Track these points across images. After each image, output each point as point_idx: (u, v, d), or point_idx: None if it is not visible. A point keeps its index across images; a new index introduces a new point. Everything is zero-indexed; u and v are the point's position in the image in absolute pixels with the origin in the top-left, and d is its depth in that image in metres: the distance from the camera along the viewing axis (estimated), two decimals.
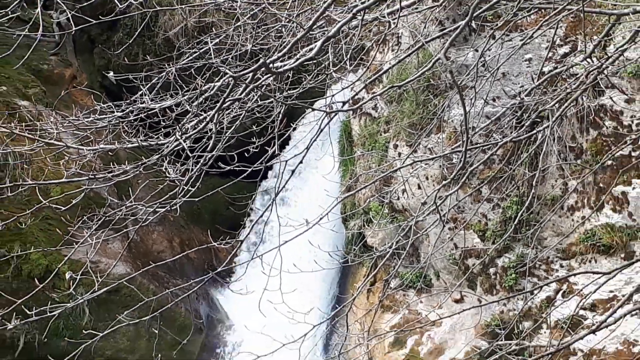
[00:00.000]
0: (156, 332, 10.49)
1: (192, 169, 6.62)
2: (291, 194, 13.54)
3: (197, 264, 11.70)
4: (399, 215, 12.03)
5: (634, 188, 10.09)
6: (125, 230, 8.62)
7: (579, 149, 10.53)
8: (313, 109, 7.78)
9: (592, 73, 8.68)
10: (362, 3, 5.18)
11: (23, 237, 10.86)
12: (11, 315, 5.99)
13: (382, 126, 12.46)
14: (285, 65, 5.23)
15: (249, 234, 9.24)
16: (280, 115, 7.39)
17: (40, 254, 10.71)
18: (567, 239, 10.54)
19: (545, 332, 10.39)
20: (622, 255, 9.96)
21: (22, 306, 5.91)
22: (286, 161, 7.72)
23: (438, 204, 8.02)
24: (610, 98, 10.33)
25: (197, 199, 6.43)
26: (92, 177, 7.99)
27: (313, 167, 12.91)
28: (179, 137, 6.15)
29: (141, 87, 7.58)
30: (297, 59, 5.23)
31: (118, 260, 10.27)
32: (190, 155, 6.47)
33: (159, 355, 10.18)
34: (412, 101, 11.74)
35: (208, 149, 6.51)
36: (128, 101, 7.62)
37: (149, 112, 7.24)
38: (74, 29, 9.15)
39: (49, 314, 6.07)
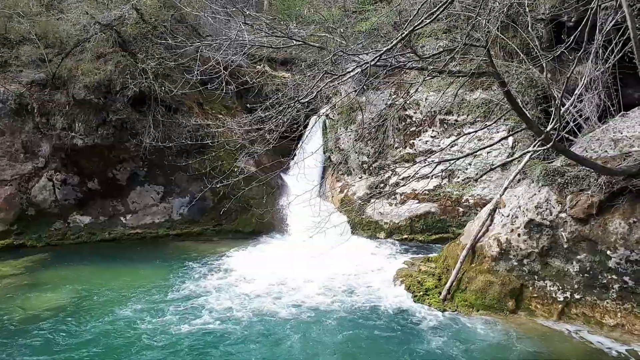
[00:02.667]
0: (264, 188, 11.12)
1: (274, 134, 6.47)
2: (307, 143, 12.19)
3: (276, 168, 9.75)
4: (342, 151, 12.51)
5: (416, 142, 11.32)
6: (253, 153, 9.05)
7: (400, 129, 11.49)
8: (313, 115, 9.22)
9: (401, 104, 10.47)
10: (329, 78, 5.54)
11: (220, 159, 11.37)
12: (212, 183, 7.14)
13: (335, 122, 12.80)
14: (305, 100, 5.61)
15: (293, 157, 9.67)
16: (303, 117, 7.41)
17: (226, 163, 11.25)
18: (395, 157, 11.67)
19: (387, 188, 11.47)
20: (411, 163, 10.41)
21: (220, 180, 6.96)
22: (306, 133, 9.52)
23: (354, 147, 9.52)
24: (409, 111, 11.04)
25: (277, 146, 6.60)
26: (243, 138, 9.28)
27: (313, 136, 12.81)
28: (270, 124, 6.24)
29: (258, 109, 6.88)
30: (308, 99, 5.64)
31: (251, 166, 11.30)
32: (273, 129, 6.30)
33: (265, 196, 11.47)
34: (345, 113, 12.48)
35: (279, 127, 6.31)
36: (254, 113, 7.00)
37: (261, 117, 6.67)
38: (235, 90, 10.18)
39: (228, 183, 6.96)
